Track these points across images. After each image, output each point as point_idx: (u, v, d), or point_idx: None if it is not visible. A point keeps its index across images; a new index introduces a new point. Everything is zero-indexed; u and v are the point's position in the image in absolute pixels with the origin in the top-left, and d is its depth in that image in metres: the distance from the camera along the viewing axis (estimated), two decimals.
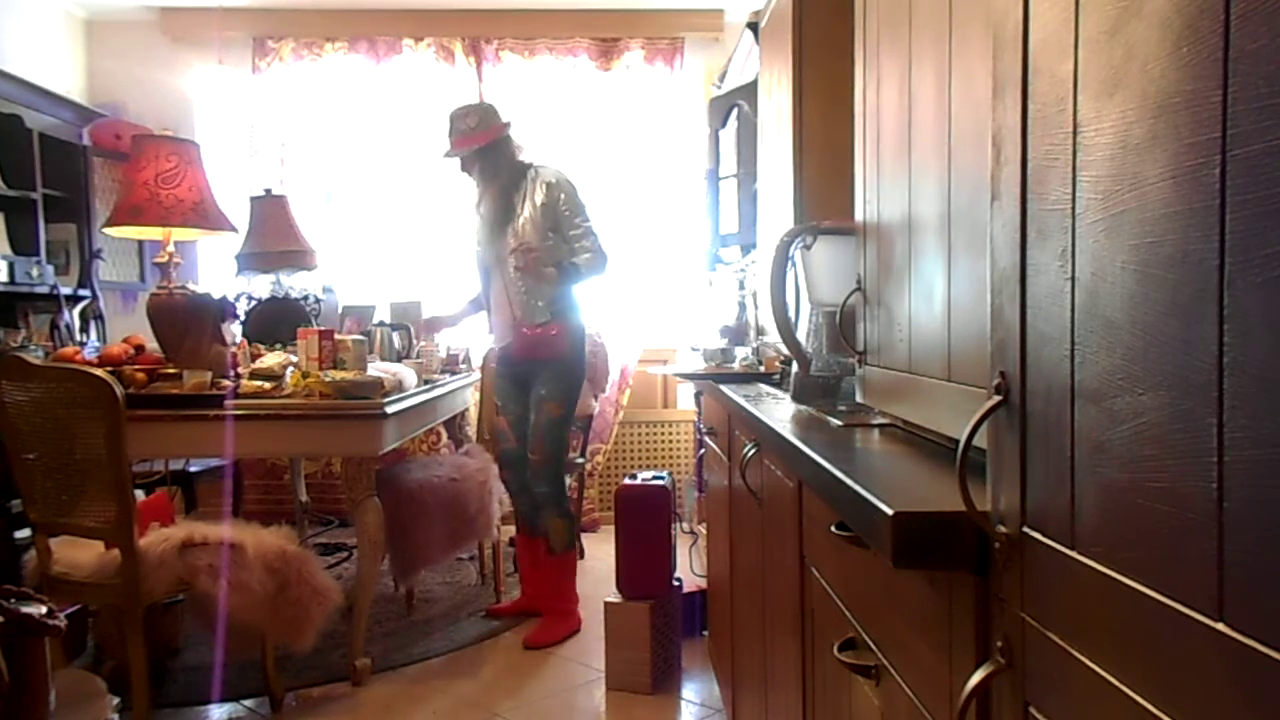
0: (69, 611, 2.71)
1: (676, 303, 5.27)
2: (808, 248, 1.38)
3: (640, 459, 5.38)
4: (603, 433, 5.19)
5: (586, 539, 4.75)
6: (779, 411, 1.35)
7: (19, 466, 2.52)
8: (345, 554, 4.39)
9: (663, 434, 5.42)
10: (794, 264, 1.46)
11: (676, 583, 3.16)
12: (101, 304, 4.48)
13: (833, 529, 0.94)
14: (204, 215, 3.45)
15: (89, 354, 3.19)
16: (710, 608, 3.09)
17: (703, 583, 3.37)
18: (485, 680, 3.09)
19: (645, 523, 3.02)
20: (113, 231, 3.58)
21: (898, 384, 1.05)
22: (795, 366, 1.38)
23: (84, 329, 4.38)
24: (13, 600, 1.23)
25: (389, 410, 2.91)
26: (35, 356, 2.98)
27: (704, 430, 3.46)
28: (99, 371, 2.38)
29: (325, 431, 2.91)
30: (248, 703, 2.85)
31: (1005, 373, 0.63)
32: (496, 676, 3.13)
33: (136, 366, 3.01)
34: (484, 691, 2.99)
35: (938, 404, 0.91)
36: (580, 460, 4.68)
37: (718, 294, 4.28)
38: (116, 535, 2.44)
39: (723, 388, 2.00)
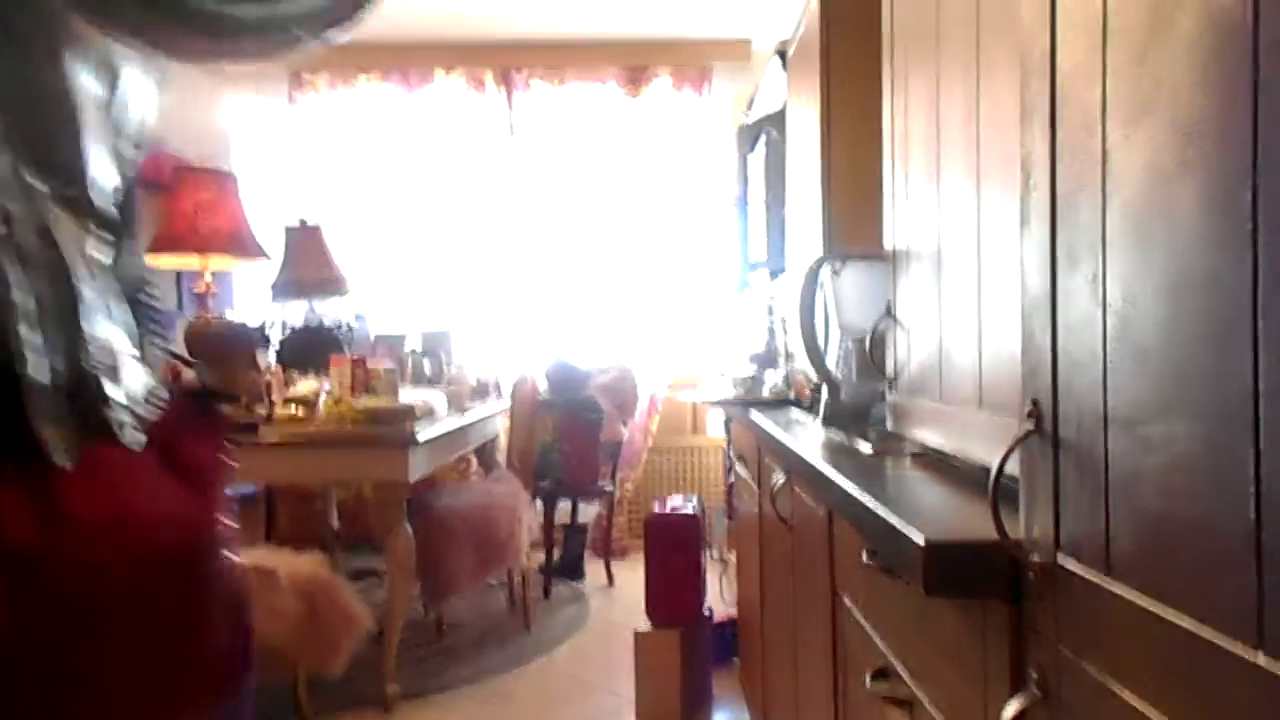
0: None
1: (705, 329, 5.27)
2: (836, 274, 1.38)
3: (670, 485, 5.36)
4: (631, 459, 5.18)
5: (616, 566, 4.74)
6: (808, 438, 1.35)
7: None
8: (375, 578, 4.40)
9: (692, 460, 5.40)
10: (822, 290, 1.46)
11: (707, 611, 3.14)
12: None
13: (864, 558, 0.94)
14: (240, 244, 3.51)
15: None
16: (741, 636, 3.07)
17: (733, 611, 3.34)
18: (515, 708, 3.08)
19: (675, 551, 3.01)
20: (152, 260, 3.65)
21: (928, 411, 1.04)
22: (825, 393, 1.37)
23: None
24: None
25: (420, 438, 2.93)
26: None
27: (734, 457, 3.44)
28: None
29: (356, 458, 2.94)
30: None
31: (1037, 400, 0.62)
32: (526, 705, 3.12)
33: None
34: (516, 718, 2.98)
35: (969, 431, 0.91)
36: (609, 489, 4.68)
37: (746, 319, 4.27)
38: None
39: (752, 414, 1.99)
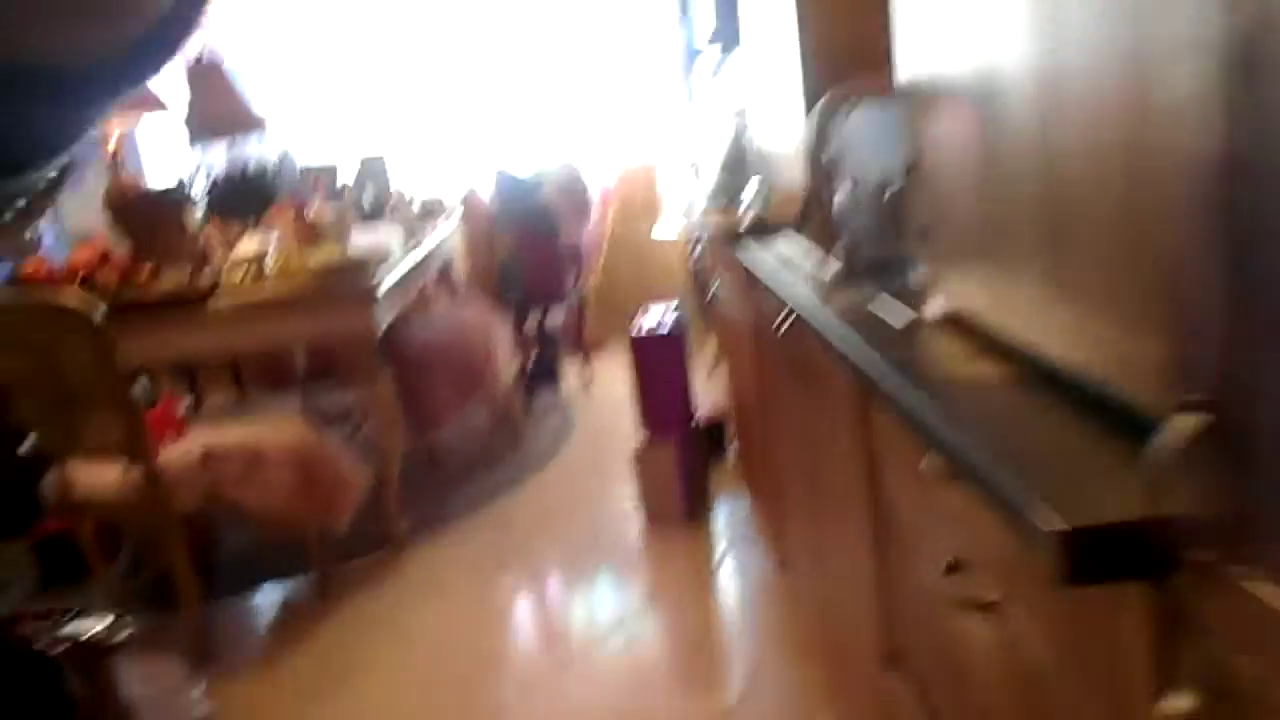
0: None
1: (653, 118, 5.01)
2: (845, 115, 1.24)
3: (633, 280, 5.29)
4: (593, 260, 5.07)
5: (596, 360, 4.75)
6: (821, 298, 1.25)
7: (17, 399, 2.43)
8: (358, 419, 4.38)
9: (655, 253, 5.31)
10: (818, 124, 1.32)
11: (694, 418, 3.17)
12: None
13: (923, 464, 0.89)
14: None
15: (51, 259, 3.02)
16: (738, 433, 3.10)
17: (719, 407, 3.37)
18: (524, 526, 3.16)
19: (663, 368, 2.99)
20: None
21: (974, 281, 0.96)
22: (838, 254, 1.27)
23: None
24: (73, 616, 1.19)
25: (380, 290, 2.80)
26: None
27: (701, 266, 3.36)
28: (71, 299, 2.25)
29: (318, 317, 2.81)
30: (296, 581, 2.91)
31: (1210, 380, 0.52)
32: (531, 524, 3.20)
33: (109, 272, 2.85)
34: (525, 537, 3.07)
35: (1032, 310, 0.82)
36: (575, 292, 4.60)
37: (701, 110, 4.04)
38: (132, 454, 2.39)
39: (745, 262, 1.88)
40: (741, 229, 1.97)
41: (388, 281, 2.89)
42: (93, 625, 1.10)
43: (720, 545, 2.89)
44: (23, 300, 2.26)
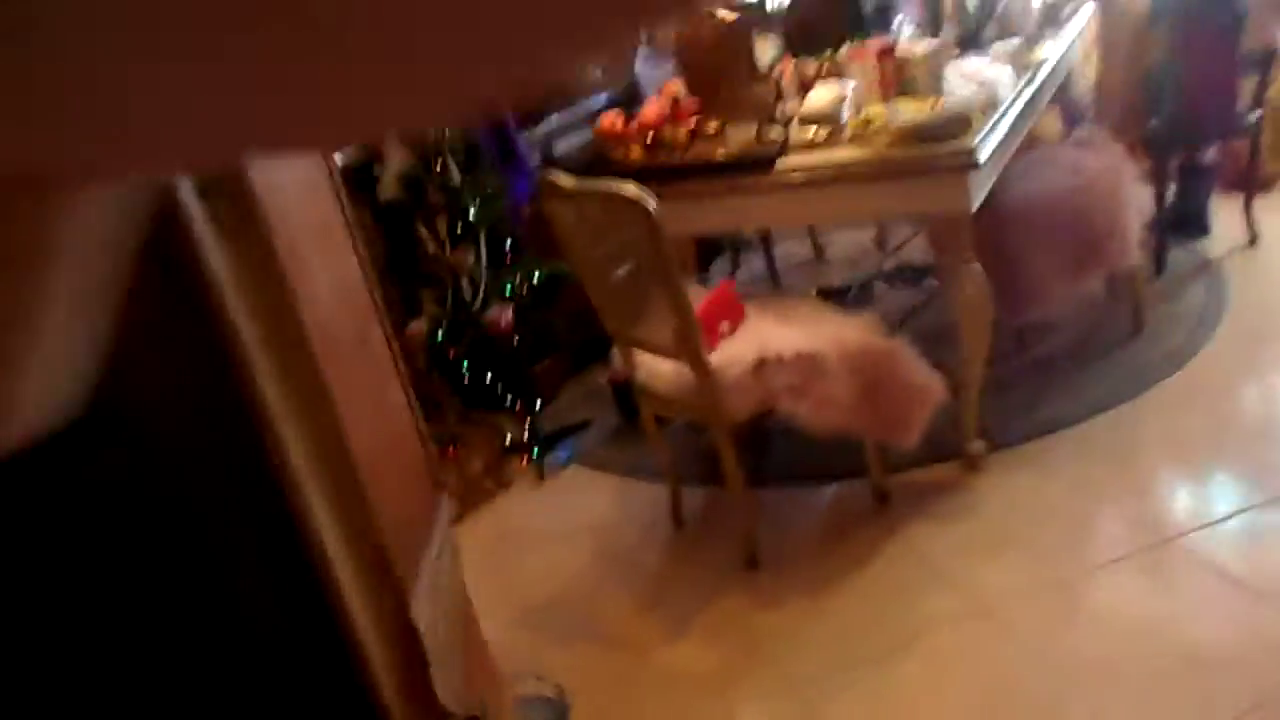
0: None
1: None
2: None
3: None
4: None
5: (1260, 210, 3.50)
6: None
7: (585, 278, 2.34)
8: (929, 284, 3.82)
9: None
10: None
11: None
12: None
13: None
14: None
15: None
16: None
17: None
18: (1141, 455, 2.42)
19: None
20: None
21: None
22: None
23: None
24: None
25: (981, 157, 2.13)
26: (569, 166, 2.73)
27: None
28: (629, 190, 2.01)
29: (899, 191, 2.26)
30: (850, 484, 2.58)
31: None
32: (1155, 448, 2.43)
33: (678, 127, 2.60)
34: (1142, 471, 2.34)
35: None
36: (1251, 119, 3.33)
37: None
38: (682, 353, 2.18)
39: None
40: None
41: (990, 143, 2.21)
42: None
43: None
44: (587, 190, 2.08)
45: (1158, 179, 3.41)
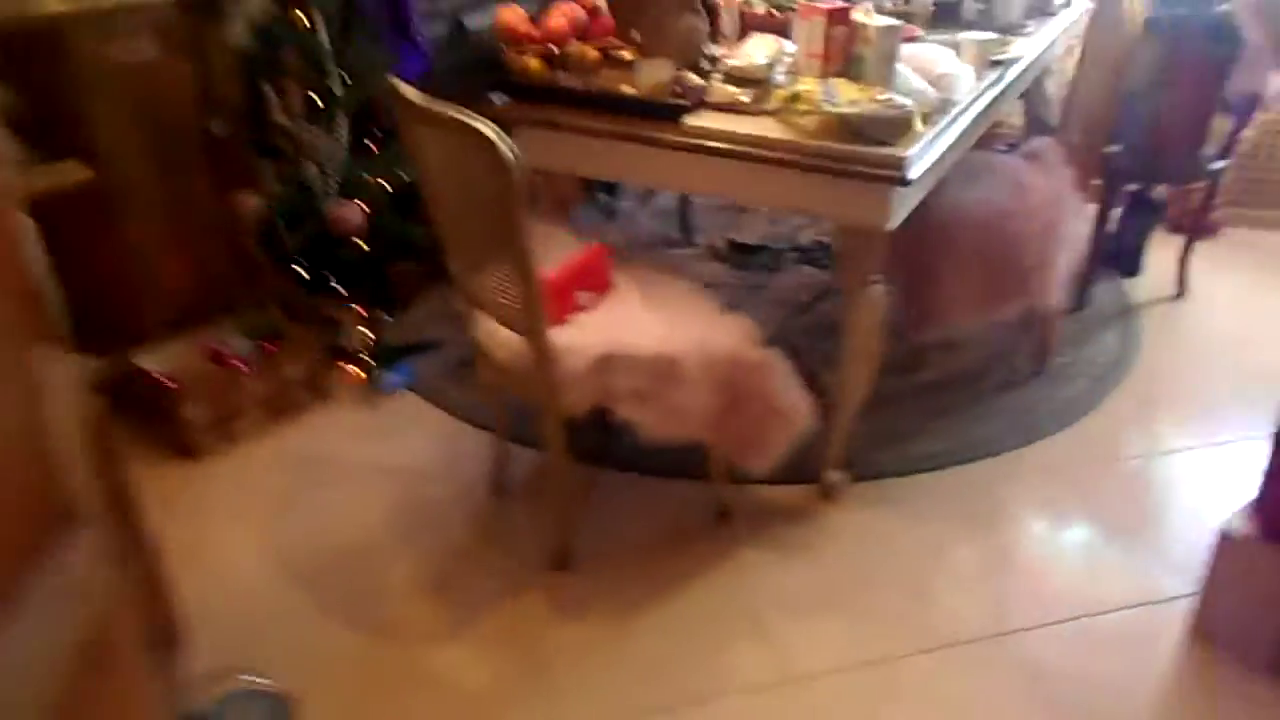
0: None
1: None
2: None
3: None
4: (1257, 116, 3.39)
5: (1198, 260, 3.29)
6: None
7: (431, 206, 1.96)
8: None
9: None
10: None
11: None
12: None
13: None
14: None
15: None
16: None
17: None
18: (1008, 520, 2.22)
19: None
20: None
21: None
22: None
23: None
24: None
25: (912, 173, 1.81)
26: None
27: None
28: (486, 131, 1.62)
29: (811, 189, 1.92)
30: (698, 486, 2.32)
31: None
32: (1022, 509, 2.24)
33: (588, 46, 2.19)
34: (1003, 548, 2.14)
35: None
36: (1215, 167, 3.07)
37: None
38: (522, 327, 1.84)
39: None
40: None
41: (927, 158, 1.89)
42: None
43: None
44: (439, 115, 1.68)
45: (1104, 208, 3.15)
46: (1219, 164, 3.05)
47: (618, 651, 1.91)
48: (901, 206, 1.94)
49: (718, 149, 1.96)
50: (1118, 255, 3.40)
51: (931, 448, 2.50)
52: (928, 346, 2.87)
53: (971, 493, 2.35)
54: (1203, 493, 2.35)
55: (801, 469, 2.28)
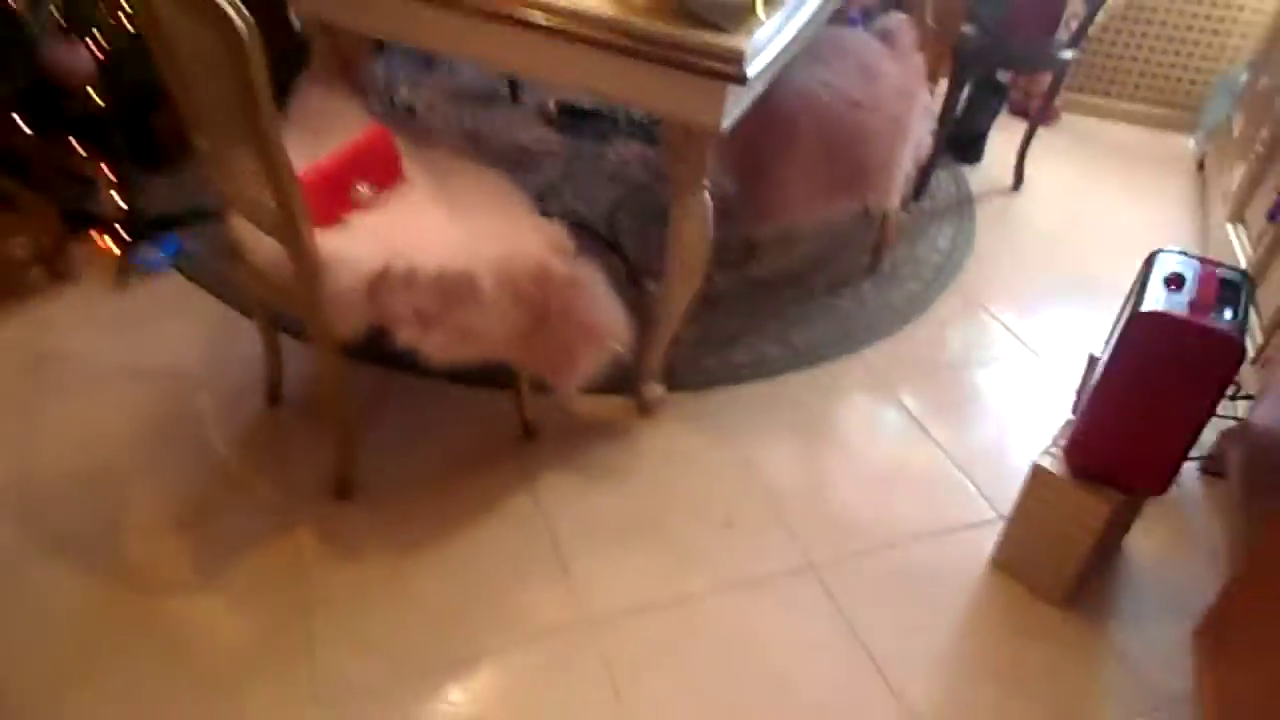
0: None
1: None
2: None
3: (1168, 35, 3.43)
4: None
5: (1037, 149, 3.23)
6: None
7: (165, 76, 1.56)
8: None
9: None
10: None
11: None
12: None
13: None
14: None
15: None
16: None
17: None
18: (830, 437, 2.13)
19: (1166, 382, 1.63)
20: None
21: None
22: None
23: None
24: None
25: (751, 69, 1.55)
26: None
27: None
28: (226, 5, 1.24)
29: (637, 78, 1.64)
30: (500, 395, 2.10)
31: None
32: (841, 433, 2.15)
33: None
34: (821, 481, 2.05)
35: None
36: (1066, 56, 2.94)
37: None
38: (275, 224, 1.52)
39: None
40: None
41: (769, 51, 1.63)
42: None
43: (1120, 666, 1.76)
44: None
45: (952, 91, 2.99)
46: (1068, 53, 2.92)
47: (400, 596, 1.71)
48: (738, 105, 1.68)
49: (529, 21, 1.63)
50: (961, 141, 3.29)
51: (754, 355, 2.36)
52: (761, 239, 2.69)
53: (792, 406, 2.24)
54: (1022, 407, 2.32)
55: (620, 380, 2.10)
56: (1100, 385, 1.66)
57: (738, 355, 2.35)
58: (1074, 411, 1.85)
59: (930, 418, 2.25)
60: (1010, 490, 1.89)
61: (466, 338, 1.64)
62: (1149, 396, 1.60)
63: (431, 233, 1.65)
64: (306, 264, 1.52)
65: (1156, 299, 1.58)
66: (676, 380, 2.21)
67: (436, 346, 1.62)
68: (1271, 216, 2.25)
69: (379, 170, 1.71)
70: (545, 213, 1.78)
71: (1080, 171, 3.42)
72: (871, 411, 2.26)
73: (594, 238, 2.56)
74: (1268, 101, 2.84)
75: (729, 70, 1.54)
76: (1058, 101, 3.62)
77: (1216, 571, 1.93)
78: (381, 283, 1.54)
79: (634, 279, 2.44)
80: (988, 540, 1.94)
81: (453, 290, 1.58)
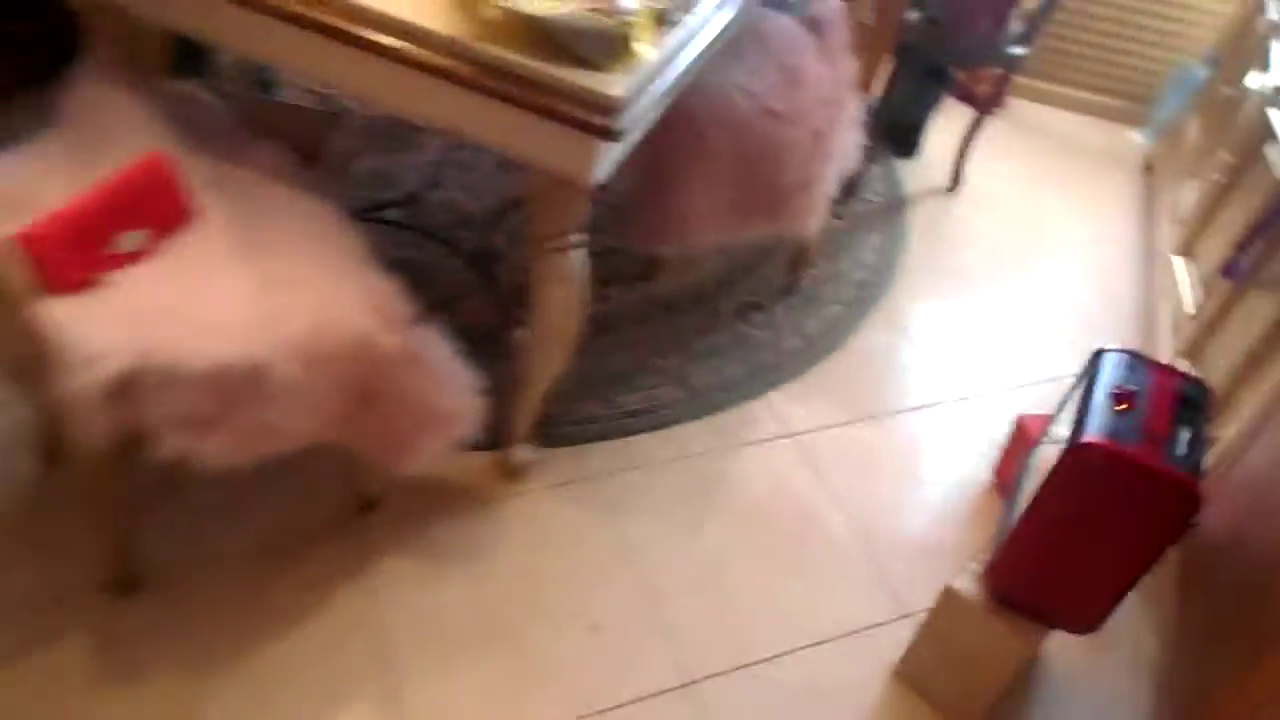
0: None
1: None
2: None
3: (1126, 35, 3.15)
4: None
5: (981, 145, 2.93)
6: None
7: None
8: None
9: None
10: None
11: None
12: None
13: None
14: None
15: None
16: None
17: None
18: (725, 492, 1.85)
19: (1100, 510, 1.38)
20: None
21: None
22: None
23: None
24: None
25: (626, 122, 1.20)
26: None
27: None
28: None
29: (494, 114, 1.28)
30: (326, 456, 1.77)
31: None
32: (735, 493, 1.87)
33: None
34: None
35: None
36: (1016, 53, 2.62)
37: None
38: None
39: None
40: None
41: (650, 94, 1.29)
42: None
43: None
44: None
45: (892, 83, 2.66)
46: (1019, 50, 2.61)
47: None
48: (605, 162, 1.33)
49: (354, 35, 1.25)
50: (897, 131, 2.97)
51: (650, 397, 2.06)
52: (657, 269, 2.36)
53: (684, 468, 1.95)
54: (943, 470, 2.07)
55: (485, 432, 1.77)
56: (1031, 513, 1.40)
57: (628, 398, 2.05)
58: (994, 549, 1.60)
59: (839, 483, 1.99)
60: (924, 579, 1.66)
61: (262, 436, 1.30)
62: (1087, 536, 1.35)
63: (217, 300, 1.29)
64: (35, 336, 1.16)
65: (1101, 424, 1.31)
66: (552, 431, 1.90)
67: (219, 451, 1.27)
68: (1227, 273, 2.00)
69: (154, 209, 1.33)
70: (387, 255, 1.42)
71: (1022, 171, 3.15)
72: (774, 475, 1.99)
73: (468, 265, 2.19)
74: (1228, 116, 2.58)
75: (597, 123, 1.19)
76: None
77: (1148, 687, 1.73)
78: (130, 386, 1.18)
79: (504, 311, 2.09)
80: (893, 642, 1.69)
81: (236, 387, 1.23)
